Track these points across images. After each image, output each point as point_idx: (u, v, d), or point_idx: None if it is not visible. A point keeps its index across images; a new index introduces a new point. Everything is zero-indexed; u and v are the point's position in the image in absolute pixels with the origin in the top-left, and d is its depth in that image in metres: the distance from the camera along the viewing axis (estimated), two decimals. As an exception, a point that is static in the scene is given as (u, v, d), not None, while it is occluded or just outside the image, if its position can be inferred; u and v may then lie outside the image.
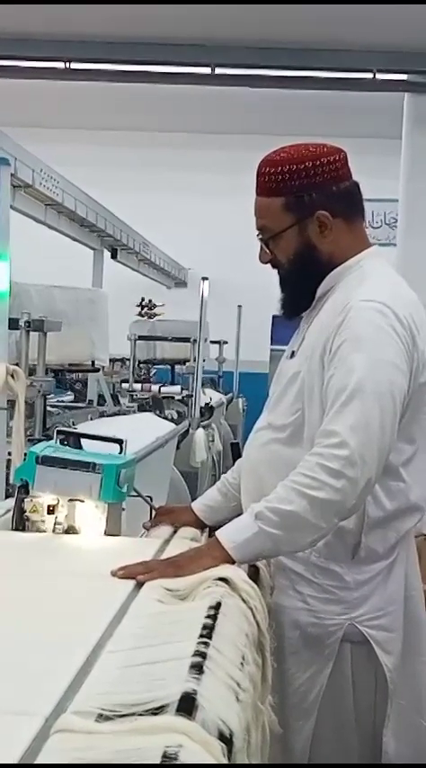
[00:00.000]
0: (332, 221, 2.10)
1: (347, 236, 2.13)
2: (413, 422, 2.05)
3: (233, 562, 1.84)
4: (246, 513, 1.91)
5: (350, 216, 2.14)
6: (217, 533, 1.91)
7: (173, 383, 8.32)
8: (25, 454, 2.32)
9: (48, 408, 4.58)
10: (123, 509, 2.24)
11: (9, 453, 2.91)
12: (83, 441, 2.40)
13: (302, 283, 2.16)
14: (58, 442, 2.35)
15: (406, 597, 2.13)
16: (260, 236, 2.17)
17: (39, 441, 3.21)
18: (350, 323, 1.99)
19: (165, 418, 5.93)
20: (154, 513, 2.35)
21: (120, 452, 2.34)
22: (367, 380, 1.92)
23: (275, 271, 2.20)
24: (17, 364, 3.49)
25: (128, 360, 7.52)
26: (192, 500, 2.47)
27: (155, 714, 1.12)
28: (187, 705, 1.13)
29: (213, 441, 6.80)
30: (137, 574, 1.77)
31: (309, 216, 2.10)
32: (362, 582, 2.07)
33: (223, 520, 2.11)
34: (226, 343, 9.81)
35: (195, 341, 6.88)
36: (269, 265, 2.19)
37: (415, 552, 2.23)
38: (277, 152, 2.13)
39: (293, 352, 2.18)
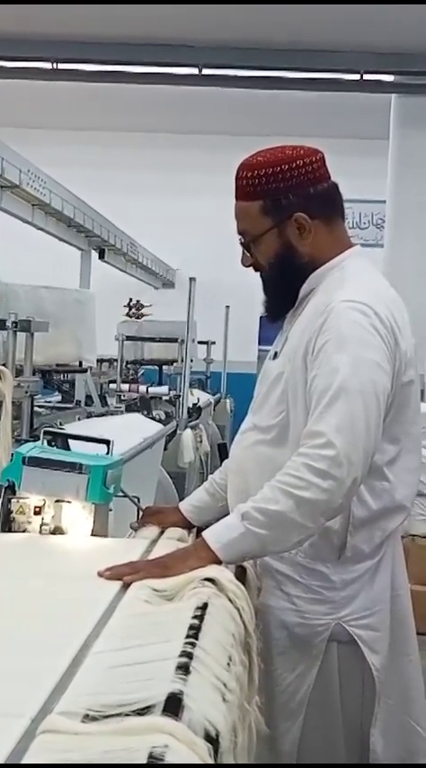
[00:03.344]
0: (310, 223, 2.11)
1: (327, 237, 2.14)
2: (397, 422, 2.06)
3: (219, 562, 1.84)
4: (233, 513, 1.91)
5: (329, 217, 2.15)
6: (204, 534, 1.91)
7: (160, 384, 8.31)
8: (12, 455, 2.31)
9: (36, 409, 4.56)
10: (110, 510, 2.23)
11: (-4, 454, 2.90)
12: (70, 441, 2.40)
13: (284, 285, 2.17)
14: (45, 442, 2.34)
15: (393, 596, 2.13)
16: (241, 240, 2.18)
17: (27, 441, 3.20)
18: (332, 323, 1.99)
19: (153, 419, 5.91)
20: (141, 513, 2.35)
21: (108, 453, 2.34)
22: (350, 380, 1.92)
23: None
24: (4, 365, 3.48)
25: (116, 360, 7.52)
26: (180, 500, 2.47)
27: (142, 714, 1.12)
28: (173, 705, 1.13)
29: (201, 441, 6.80)
30: (124, 574, 1.77)
31: (287, 218, 2.10)
32: (349, 581, 2.07)
33: (210, 520, 2.11)
34: (214, 343, 9.82)
35: (183, 341, 6.89)
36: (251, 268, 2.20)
37: (402, 551, 2.23)
38: (254, 156, 2.14)
39: (276, 353, 2.18)
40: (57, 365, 5.75)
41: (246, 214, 2.14)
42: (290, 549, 1.97)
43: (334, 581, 2.07)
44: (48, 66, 8.30)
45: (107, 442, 2.36)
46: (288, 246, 2.13)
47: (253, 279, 2.27)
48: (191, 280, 6.44)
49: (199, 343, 9.13)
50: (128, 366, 8.18)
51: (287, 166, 2.09)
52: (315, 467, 1.86)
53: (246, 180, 2.12)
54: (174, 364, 7.69)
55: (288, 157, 2.10)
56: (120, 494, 2.28)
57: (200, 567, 1.79)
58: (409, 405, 2.10)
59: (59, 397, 6.47)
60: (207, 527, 1.97)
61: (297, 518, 1.85)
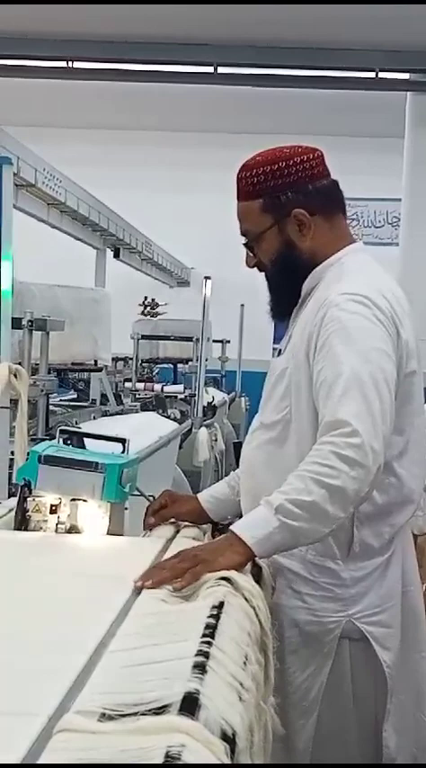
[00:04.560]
0: (310, 219, 2.12)
1: (328, 234, 2.15)
2: (402, 413, 2.04)
3: (254, 557, 1.83)
4: (262, 506, 1.86)
5: (329, 213, 2.16)
6: (235, 528, 1.86)
7: (175, 382, 8.33)
8: (28, 454, 2.32)
9: (51, 408, 4.58)
10: (126, 508, 2.24)
11: (12, 453, 2.91)
12: (85, 440, 2.40)
13: (287, 283, 2.18)
14: (61, 441, 2.35)
15: (404, 592, 2.12)
16: (244, 241, 2.19)
17: (42, 440, 3.21)
18: (333, 316, 1.99)
19: (168, 417, 5.93)
20: (158, 495, 2.32)
21: (123, 452, 2.35)
22: (360, 370, 1.92)
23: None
24: (20, 363, 3.49)
25: (131, 359, 7.53)
26: (195, 498, 2.46)
27: (158, 714, 1.12)
28: (190, 705, 1.13)
29: (216, 440, 6.81)
30: (168, 581, 1.71)
31: (287, 215, 2.12)
32: (359, 578, 2.06)
33: (226, 515, 2.11)
34: (229, 342, 9.82)
35: (198, 340, 6.90)
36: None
37: (412, 547, 2.22)
38: (253, 156, 2.16)
39: (280, 351, 2.19)
40: (73, 364, 5.77)
41: (247, 213, 2.16)
42: (320, 539, 1.94)
43: (344, 578, 2.06)
44: (63, 64, 8.32)
45: (123, 441, 2.37)
46: (289, 243, 2.14)
47: (269, 277, 2.27)
48: (206, 278, 6.45)
49: (214, 341, 9.14)
50: (144, 365, 8.20)
51: (284, 164, 2.12)
52: (343, 454, 1.84)
53: (245, 180, 2.14)
54: (189, 363, 7.71)
55: (285, 155, 2.13)
56: (136, 492, 2.28)
57: (240, 562, 1.77)
58: (413, 395, 2.10)
59: (75, 396, 6.50)
60: (221, 523, 1.96)
61: (329, 508, 1.83)
